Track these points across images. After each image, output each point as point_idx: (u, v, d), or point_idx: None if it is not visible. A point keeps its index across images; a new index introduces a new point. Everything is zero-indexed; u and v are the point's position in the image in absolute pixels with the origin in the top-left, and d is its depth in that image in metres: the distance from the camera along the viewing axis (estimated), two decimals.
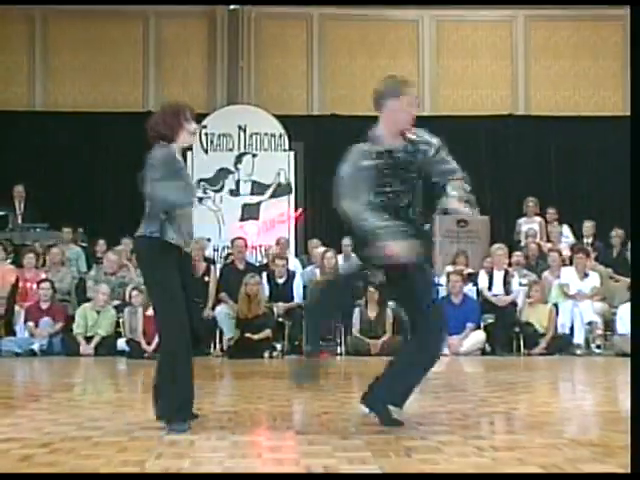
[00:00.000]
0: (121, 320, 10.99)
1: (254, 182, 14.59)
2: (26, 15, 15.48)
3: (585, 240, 13.26)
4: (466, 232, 12.59)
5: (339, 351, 10.90)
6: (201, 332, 4.67)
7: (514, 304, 11.49)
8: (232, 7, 15.40)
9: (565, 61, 15.84)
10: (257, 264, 12.90)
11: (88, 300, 11.30)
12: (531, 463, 3.68)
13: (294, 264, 12.47)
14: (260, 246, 14.23)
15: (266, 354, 10.53)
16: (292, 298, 11.48)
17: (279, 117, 14.72)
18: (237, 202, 14.51)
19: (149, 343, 10.24)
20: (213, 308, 11.17)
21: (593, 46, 15.83)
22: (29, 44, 15.56)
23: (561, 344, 11.13)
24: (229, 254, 12.80)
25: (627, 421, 4.23)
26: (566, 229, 13.68)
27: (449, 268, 11.73)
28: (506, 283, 11.55)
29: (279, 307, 11.30)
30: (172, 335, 4.65)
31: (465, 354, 10.80)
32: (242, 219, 14.46)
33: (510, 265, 11.98)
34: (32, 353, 10.73)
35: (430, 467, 3.62)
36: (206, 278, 11.34)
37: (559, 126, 15.33)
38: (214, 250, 13.97)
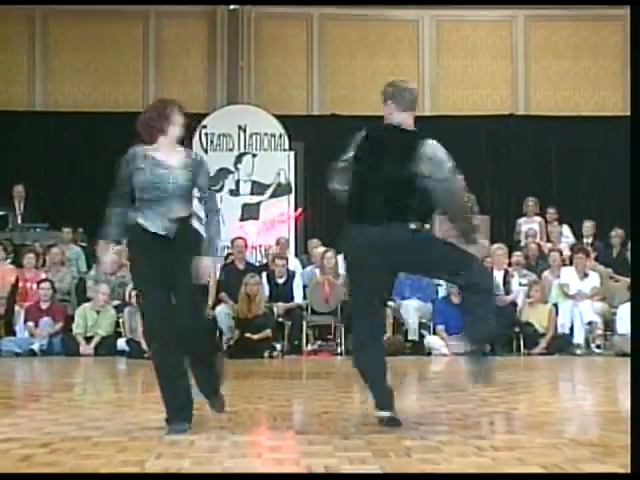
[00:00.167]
0: (121, 320, 11.00)
1: (254, 182, 14.57)
2: (26, 15, 15.47)
3: (585, 240, 13.25)
4: None
5: (339, 351, 10.91)
6: (188, 334, 4.53)
7: (514, 304, 11.50)
8: (232, 7, 15.39)
9: (565, 61, 15.82)
10: (257, 264, 12.91)
11: (88, 300, 11.30)
12: (531, 463, 3.68)
13: (294, 264, 12.46)
14: (260, 246, 14.22)
15: (266, 354, 10.54)
16: (292, 298, 11.48)
17: (279, 117, 14.70)
18: (237, 202, 14.48)
19: None
20: (213, 308, 11.18)
21: (593, 46, 15.81)
22: (29, 44, 15.55)
23: (561, 344, 11.13)
24: (229, 254, 12.79)
25: (627, 421, 4.23)
26: (566, 229, 13.67)
27: None
28: (506, 283, 11.54)
29: (279, 307, 11.30)
30: (144, 326, 4.69)
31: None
32: (242, 219, 14.43)
33: (510, 265, 11.98)
34: (32, 353, 10.73)
35: (430, 467, 3.62)
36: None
37: (559, 126, 15.32)
38: None
